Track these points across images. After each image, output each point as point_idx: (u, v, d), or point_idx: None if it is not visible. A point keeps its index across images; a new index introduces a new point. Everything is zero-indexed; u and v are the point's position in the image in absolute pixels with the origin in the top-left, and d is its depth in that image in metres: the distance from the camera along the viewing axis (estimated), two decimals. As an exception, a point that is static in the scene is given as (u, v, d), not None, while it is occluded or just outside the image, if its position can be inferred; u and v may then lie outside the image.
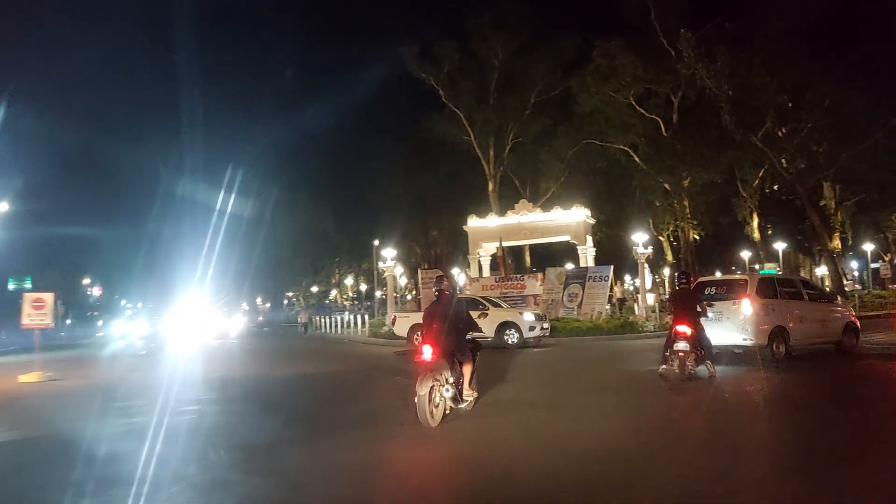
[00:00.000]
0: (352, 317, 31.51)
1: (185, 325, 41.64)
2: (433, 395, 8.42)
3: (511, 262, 48.05)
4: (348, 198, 54.47)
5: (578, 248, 30.70)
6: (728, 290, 14.50)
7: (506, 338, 20.90)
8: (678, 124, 42.05)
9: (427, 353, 8.50)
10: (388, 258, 28.68)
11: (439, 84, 45.77)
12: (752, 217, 47.60)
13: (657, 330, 24.83)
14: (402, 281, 57.86)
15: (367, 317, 33.06)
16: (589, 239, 31.50)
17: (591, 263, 31.99)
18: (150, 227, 50.84)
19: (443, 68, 45.35)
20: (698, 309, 12.08)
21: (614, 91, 39.33)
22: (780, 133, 35.42)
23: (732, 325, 13.83)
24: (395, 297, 59.61)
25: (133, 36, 62.03)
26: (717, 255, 59.63)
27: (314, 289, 72.56)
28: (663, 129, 42.13)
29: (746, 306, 13.84)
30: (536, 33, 44.31)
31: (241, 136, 53.66)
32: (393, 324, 23.14)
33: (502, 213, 31.95)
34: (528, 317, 21.69)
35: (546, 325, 22.22)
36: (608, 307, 27.60)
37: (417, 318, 20.72)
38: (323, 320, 36.00)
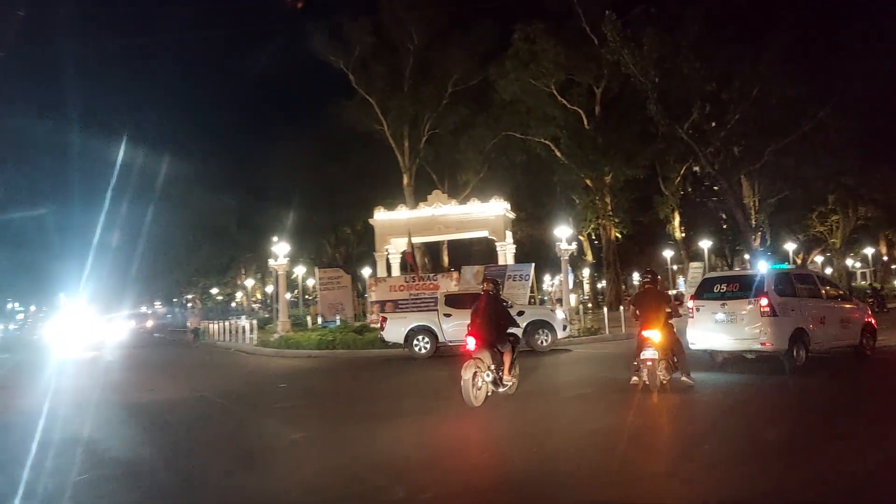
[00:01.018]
0: (247, 322, 27.66)
1: (63, 332, 36.83)
2: (476, 380, 9.71)
3: (428, 260, 45.15)
4: (252, 191, 50.03)
5: (497, 244, 27.92)
6: (741, 287, 12.78)
7: (537, 339, 18.72)
8: (601, 117, 40.09)
9: (471, 343, 9.86)
10: (281, 255, 24.98)
11: (349, 68, 42.27)
12: (673, 216, 46.29)
13: (581, 334, 22.29)
14: (311, 281, 53.81)
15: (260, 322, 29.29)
16: (509, 235, 28.74)
17: (511, 261, 29.27)
18: (32, 220, 45.32)
19: (353, 51, 41.85)
20: (668, 310, 10.79)
21: (534, 78, 36.88)
22: (706, 128, 33.70)
23: (747, 328, 12.32)
24: (307, 300, 56.42)
25: None
26: (638, 256, 58.33)
27: (214, 290, 67.41)
28: (585, 122, 40.06)
29: (765, 306, 12.15)
30: (454, 18, 41.60)
31: (132, 120, 48.27)
32: (382, 328, 19.53)
33: (414, 205, 28.79)
34: (560, 314, 19.63)
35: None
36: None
37: (419, 319, 19.14)
38: (214, 326, 31.93)
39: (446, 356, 17.74)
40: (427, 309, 20.85)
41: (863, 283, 50.37)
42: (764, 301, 12.11)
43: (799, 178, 34.51)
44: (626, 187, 42.44)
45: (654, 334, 10.41)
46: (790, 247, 44.99)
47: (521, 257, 38.14)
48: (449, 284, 26.84)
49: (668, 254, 53.55)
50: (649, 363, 10.32)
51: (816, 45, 30.48)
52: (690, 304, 13.12)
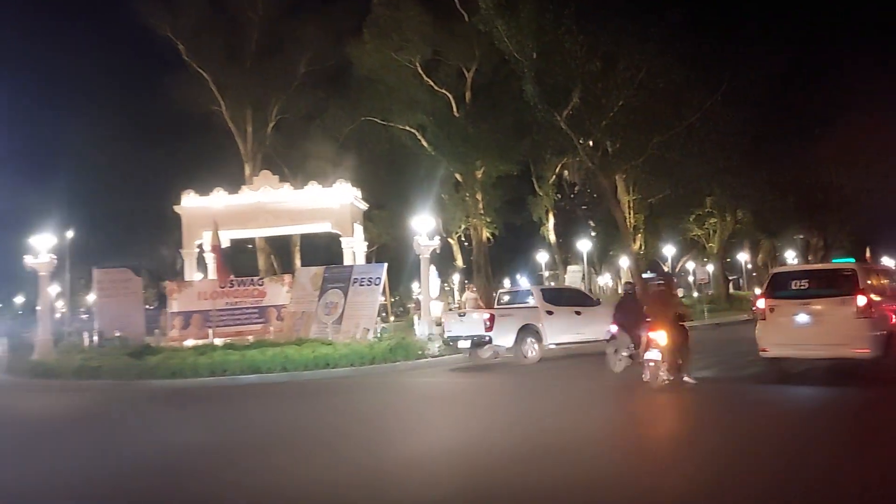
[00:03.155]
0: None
1: None
2: (617, 355, 12.37)
3: (276, 263, 38.96)
4: (58, 180, 41.52)
5: (343, 240, 22.41)
6: (826, 284, 11.05)
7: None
8: (472, 104, 35.64)
9: (613, 329, 12.66)
10: (43, 250, 18.21)
11: (178, 36, 35.57)
12: (548, 217, 42.77)
13: (444, 352, 17.36)
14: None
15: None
16: (358, 229, 23.36)
17: (362, 261, 24.00)
18: None
19: (182, 16, 35.22)
20: (679, 312, 11.31)
21: (396, 51, 31.86)
22: (587, 117, 29.99)
23: (836, 331, 10.49)
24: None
25: None
26: (511, 261, 54.88)
27: None
28: (455, 109, 35.48)
29: (863, 305, 10.35)
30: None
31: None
32: (489, 328, 15.66)
33: (235, 189, 22.76)
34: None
35: None
36: (380, 325, 19.61)
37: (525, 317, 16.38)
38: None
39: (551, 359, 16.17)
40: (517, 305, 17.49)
41: (738, 291, 49.13)
42: (861, 300, 10.33)
43: (682, 174, 31.48)
44: (498, 184, 38.31)
45: (661, 336, 10.59)
46: (669, 251, 42.56)
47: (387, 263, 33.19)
48: (280, 290, 21.31)
49: (543, 258, 50.19)
50: (651, 364, 10.62)
51: (709, 26, 27.62)
52: (760, 304, 11.35)
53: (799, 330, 10.76)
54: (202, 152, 38.77)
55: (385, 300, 21.56)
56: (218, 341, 19.72)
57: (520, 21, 26.84)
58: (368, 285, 19.61)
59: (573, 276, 29.82)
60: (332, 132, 36.54)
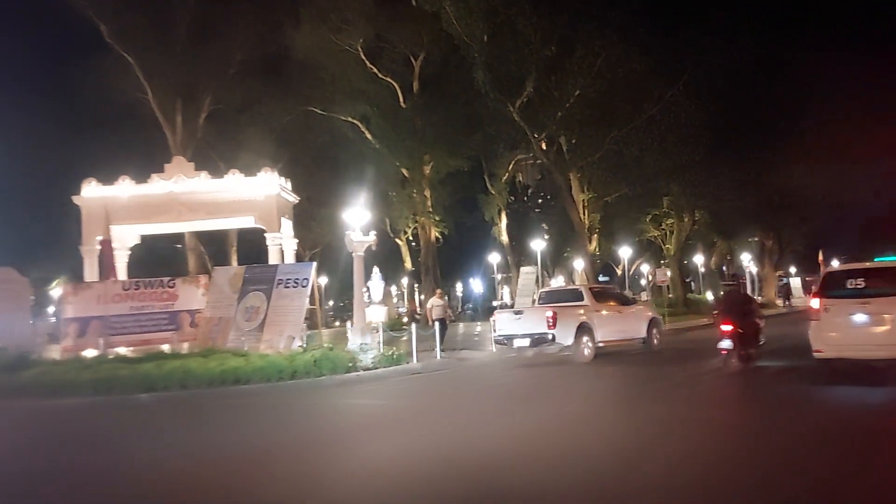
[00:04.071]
0: None
1: None
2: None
3: (210, 263, 35.99)
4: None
5: (268, 236, 19.84)
6: (887, 282, 10.56)
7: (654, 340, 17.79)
8: (419, 94, 33.53)
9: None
10: None
11: (99, 16, 32.50)
12: (500, 217, 40.82)
13: (379, 365, 15.09)
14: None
15: None
16: (287, 224, 20.82)
17: (292, 260, 21.49)
18: None
19: (105, -6, 32.20)
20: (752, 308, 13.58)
21: (335, 33, 29.51)
22: (541, 108, 28.12)
23: None
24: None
25: None
26: (462, 263, 52.82)
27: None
28: (401, 100, 33.27)
29: None
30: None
31: None
32: (552, 326, 15.60)
33: (144, 177, 19.98)
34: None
35: None
36: (304, 333, 17.18)
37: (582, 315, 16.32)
38: None
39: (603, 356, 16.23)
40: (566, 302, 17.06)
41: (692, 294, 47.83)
42: None
43: (641, 171, 29.80)
44: (448, 180, 36.26)
45: (731, 328, 12.37)
46: (625, 252, 40.97)
47: (328, 266, 30.82)
48: (194, 293, 18.71)
49: (495, 259, 48.23)
50: (724, 351, 12.57)
51: (670, 13, 26.11)
52: (815, 303, 11.06)
53: (857, 330, 10.52)
54: (127, 144, 35.59)
55: (316, 305, 19.10)
56: (124, 351, 17.16)
57: (469, 1, 24.78)
58: (295, 287, 17.16)
59: (526, 279, 27.86)
60: (267, 123, 33.92)
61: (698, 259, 49.25)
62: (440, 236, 35.96)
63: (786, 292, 43.60)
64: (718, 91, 27.22)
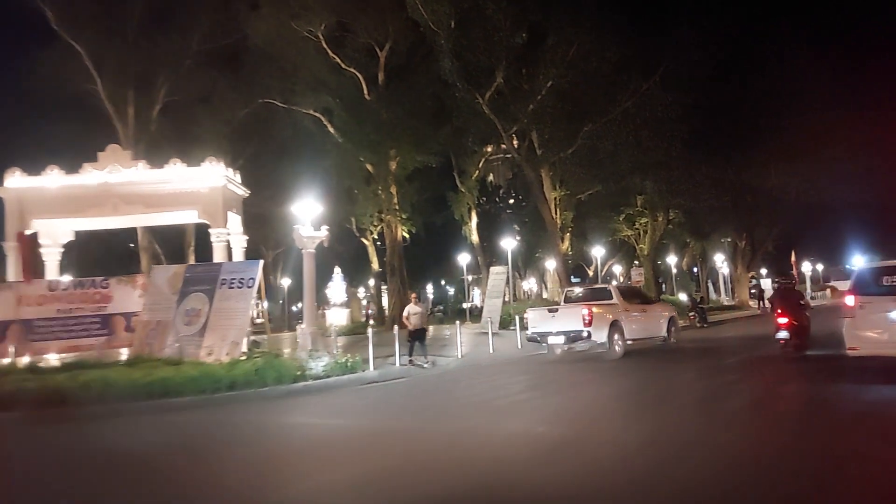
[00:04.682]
0: None
1: None
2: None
3: (166, 261, 33.99)
4: None
5: (213, 231, 18.08)
6: None
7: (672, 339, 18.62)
8: (385, 86, 32.00)
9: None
10: None
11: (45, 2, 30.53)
12: (470, 216, 39.41)
13: (331, 373, 13.60)
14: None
15: None
16: (235, 219, 19.12)
17: (241, 258, 19.84)
18: None
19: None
20: (802, 303, 14.22)
21: (293, 18, 27.90)
22: (511, 101, 26.80)
23: None
24: None
25: None
26: (432, 264, 51.37)
27: None
28: (366, 91, 31.71)
29: None
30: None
31: None
32: (588, 323, 15.96)
33: (76, 167, 18.10)
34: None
35: None
36: (249, 337, 15.59)
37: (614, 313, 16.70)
38: None
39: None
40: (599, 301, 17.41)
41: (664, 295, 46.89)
42: None
43: (615, 167, 28.60)
44: (415, 177, 34.76)
45: (787, 321, 13.65)
46: (598, 252, 39.86)
47: (293, 266, 28.82)
48: (131, 294, 17.04)
49: (465, 260, 46.87)
50: (782, 342, 13.68)
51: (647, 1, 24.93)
52: (850, 300, 10.95)
53: (894, 327, 10.37)
54: (74, 137, 33.55)
55: (261, 309, 17.51)
56: (53, 358, 15.48)
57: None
58: (240, 287, 15.60)
59: (496, 279, 26.45)
60: (226, 116, 32.17)
61: (671, 260, 48.37)
62: (407, 235, 34.42)
63: (760, 294, 42.82)
64: (696, 84, 26.14)
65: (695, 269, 57.82)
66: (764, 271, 61.38)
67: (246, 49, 32.10)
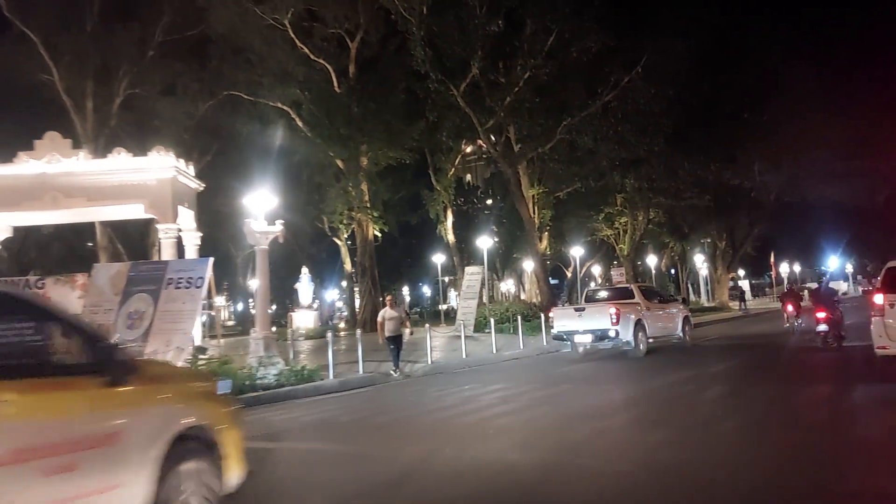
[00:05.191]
0: None
1: None
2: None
3: (126, 255, 32.42)
4: None
5: (161, 227, 16.69)
6: None
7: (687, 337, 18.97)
8: (356, 78, 30.72)
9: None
10: None
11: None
12: (446, 215, 38.20)
13: (285, 382, 12.32)
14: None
15: None
16: (186, 214, 17.75)
17: (194, 255, 18.48)
18: None
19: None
20: (835, 300, 15.75)
21: (257, 3, 26.56)
22: (489, 97, 25.65)
23: None
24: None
25: None
26: (409, 265, 50.10)
27: None
28: (336, 84, 30.40)
29: None
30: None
31: None
32: (616, 321, 16.15)
33: (10, 157, 16.65)
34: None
35: None
36: (193, 343, 14.22)
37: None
38: None
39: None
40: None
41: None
42: None
43: (596, 164, 27.60)
44: (388, 174, 33.51)
45: (825, 315, 15.13)
46: (577, 252, 38.81)
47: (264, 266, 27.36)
48: (69, 295, 15.62)
49: (440, 260, 45.66)
50: (821, 334, 15.17)
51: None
52: (878, 299, 10.58)
53: None
54: (28, 133, 31.94)
55: (212, 310, 16.21)
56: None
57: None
58: (187, 287, 14.24)
59: (471, 279, 25.30)
60: (187, 109, 30.69)
61: (651, 261, 47.57)
62: (379, 234, 33.13)
63: (741, 295, 42.15)
64: (679, 76, 25.20)
65: (672, 271, 57.16)
66: (741, 272, 60.90)
67: (211, 40, 30.71)
